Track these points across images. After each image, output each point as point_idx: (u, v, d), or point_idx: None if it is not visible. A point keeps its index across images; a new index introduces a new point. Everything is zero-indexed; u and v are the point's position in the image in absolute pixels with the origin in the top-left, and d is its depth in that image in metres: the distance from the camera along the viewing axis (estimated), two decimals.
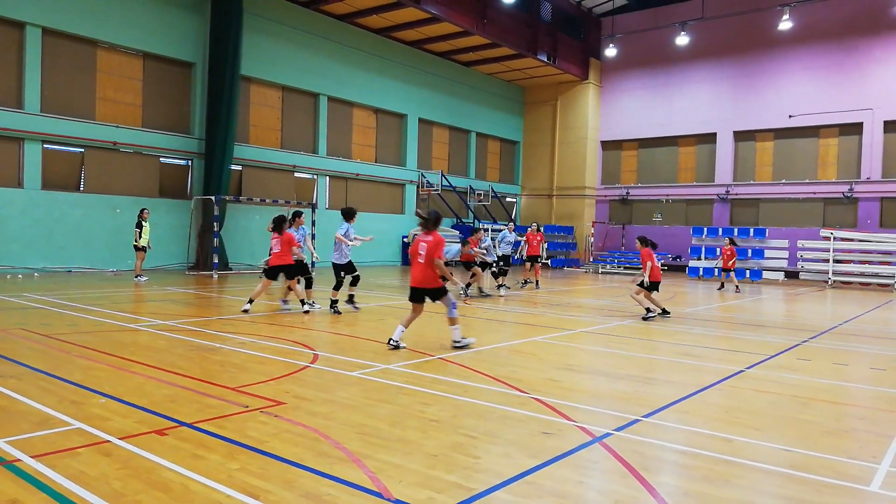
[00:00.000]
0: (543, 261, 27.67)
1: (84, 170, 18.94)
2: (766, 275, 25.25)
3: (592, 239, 33.07)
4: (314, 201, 24.35)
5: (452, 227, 30.86)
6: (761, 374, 7.26)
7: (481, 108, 33.10)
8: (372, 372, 6.63)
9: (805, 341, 9.86)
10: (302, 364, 6.91)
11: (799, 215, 28.48)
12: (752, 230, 26.43)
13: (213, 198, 19.71)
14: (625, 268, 29.38)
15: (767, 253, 25.64)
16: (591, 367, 7.55)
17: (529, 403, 5.58)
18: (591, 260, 31.70)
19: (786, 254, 25.47)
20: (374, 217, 27.46)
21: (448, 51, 29.63)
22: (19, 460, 3.87)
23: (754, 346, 9.15)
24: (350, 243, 11.31)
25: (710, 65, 30.62)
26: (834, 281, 23.83)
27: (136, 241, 16.69)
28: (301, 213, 12.24)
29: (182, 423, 4.69)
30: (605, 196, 34.12)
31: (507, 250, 17.66)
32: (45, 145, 18.08)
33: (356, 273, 11.62)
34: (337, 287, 11.34)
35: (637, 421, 5.16)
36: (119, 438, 4.31)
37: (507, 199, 35.24)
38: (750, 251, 25.61)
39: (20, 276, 16.80)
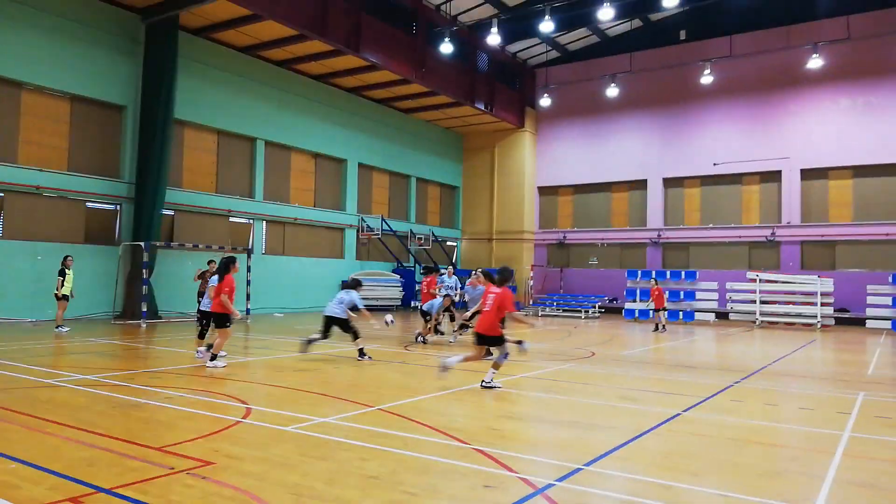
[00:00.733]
0: None
1: (3, 215, 17.99)
2: (697, 316, 26.06)
3: (532, 282, 33.49)
4: (250, 246, 23.83)
5: (393, 271, 30.74)
6: (697, 416, 7.38)
7: (421, 153, 33.47)
8: (309, 426, 6.38)
9: (737, 382, 10.13)
10: (234, 419, 6.60)
11: (726, 258, 29.71)
12: (683, 273, 27.34)
13: (142, 243, 19.00)
14: (564, 310, 29.79)
15: (699, 294, 26.53)
16: (532, 414, 7.51)
17: (471, 455, 5.47)
18: (531, 303, 32.04)
19: (716, 295, 26.39)
20: (313, 262, 27.08)
21: (388, 98, 29.97)
22: None
23: (690, 388, 9.33)
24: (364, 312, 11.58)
25: (640, 115, 32.03)
26: (761, 321, 24.80)
27: (57, 290, 15.85)
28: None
29: (100, 490, 4.36)
30: (544, 240, 34.78)
31: (451, 293, 17.63)
32: None
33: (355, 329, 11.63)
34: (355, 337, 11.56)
35: (578, 470, 5.12)
36: None
37: (448, 243, 35.44)
38: (682, 293, 26.45)
39: None
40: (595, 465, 5.27)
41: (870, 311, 23.91)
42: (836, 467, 5.37)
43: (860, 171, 27.17)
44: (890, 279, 23.47)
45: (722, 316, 26.76)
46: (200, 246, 20.70)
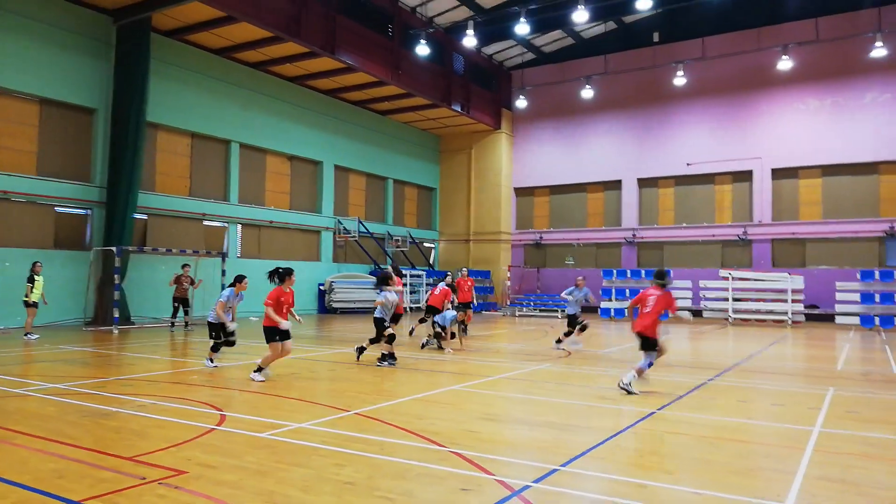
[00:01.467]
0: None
1: None
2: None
3: (509, 283, 33.61)
4: (225, 250, 23.56)
5: (370, 273, 30.61)
6: (671, 414, 7.45)
7: (398, 155, 33.40)
8: (284, 432, 6.33)
9: (711, 379, 10.27)
10: (207, 427, 6.51)
11: (700, 257, 30.09)
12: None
13: (114, 248, 18.68)
14: (541, 310, 29.93)
15: (673, 293, 26.76)
16: (510, 416, 7.53)
17: (448, 458, 5.47)
18: (509, 303, 32.14)
19: (690, 293, 26.73)
20: (290, 265, 26.80)
21: (364, 100, 29.86)
22: None
23: (665, 386, 9.43)
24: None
25: (615, 116, 32.33)
26: (734, 318, 25.16)
27: (26, 297, 15.51)
28: (244, 277, 11.92)
29: (70, 502, 4.27)
30: (520, 240, 34.92)
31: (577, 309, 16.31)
32: None
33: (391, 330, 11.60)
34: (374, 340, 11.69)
35: (555, 471, 5.14)
36: None
37: (426, 245, 35.41)
38: None
39: None
40: (571, 465, 5.30)
41: (839, 308, 24.39)
42: (807, 463, 5.46)
43: (829, 171, 27.71)
44: (858, 276, 23.96)
45: (696, 314, 27.06)
46: (174, 250, 20.41)
